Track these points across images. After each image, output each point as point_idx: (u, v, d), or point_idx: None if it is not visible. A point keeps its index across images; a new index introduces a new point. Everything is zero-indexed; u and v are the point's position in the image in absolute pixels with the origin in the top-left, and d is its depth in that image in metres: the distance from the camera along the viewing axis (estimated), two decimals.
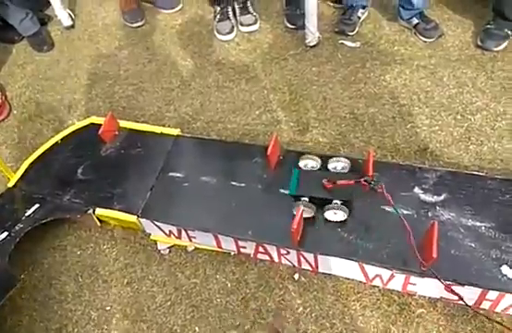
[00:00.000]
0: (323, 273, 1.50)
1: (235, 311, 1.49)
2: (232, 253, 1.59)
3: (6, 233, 1.62)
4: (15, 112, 2.23)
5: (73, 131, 1.93)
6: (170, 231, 1.60)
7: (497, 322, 1.31)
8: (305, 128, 1.92)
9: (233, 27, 2.33)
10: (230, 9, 2.35)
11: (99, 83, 2.27)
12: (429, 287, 1.34)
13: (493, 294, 1.27)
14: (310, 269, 1.50)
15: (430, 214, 1.42)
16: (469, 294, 1.29)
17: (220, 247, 1.58)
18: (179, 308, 1.52)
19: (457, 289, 1.27)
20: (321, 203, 1.43)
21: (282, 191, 1.54)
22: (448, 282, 1.27)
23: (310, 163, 1.56)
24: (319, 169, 1.55)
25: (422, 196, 1.46)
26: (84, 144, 1.87)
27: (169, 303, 1.54)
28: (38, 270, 1.68)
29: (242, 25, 2.33)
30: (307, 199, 1.45)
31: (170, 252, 1.66)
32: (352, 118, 1.91)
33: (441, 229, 1.29)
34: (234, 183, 1.62)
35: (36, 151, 1.89)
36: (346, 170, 1.53)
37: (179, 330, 1.49)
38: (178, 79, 2.21)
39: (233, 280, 1.55)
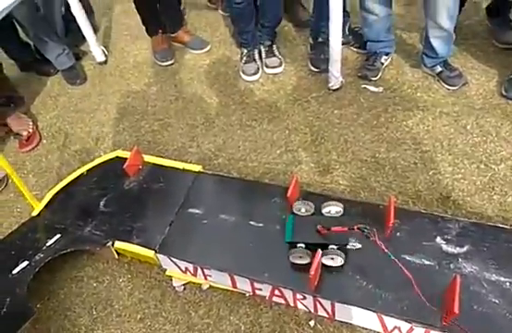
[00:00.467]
0: (340, 321, 1.46)
1: None
2: (247, 294, 1.57)
3: (26, 262, 1.64)
4: (44, 142, 2.32)
5: (99, 164, 1.98)
6: (186, 268, 1.60)
7: None
8: (325, 169, 1.93)
9: (258, 68, 2.41)
10: (256, 52, 2.44)
11: (127, 117, 2.35)
12: None
13: None
14: (327, 316, 1.47)
15: (452, 266, 1.39)
16: None
17: (235, 287, 1.56)
18: None
19: None
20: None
21: None
22: None
23: (303, 207, 1.56)
24: (313, 213, 1.55)
25: (444, 247, 1.44)
26: (108, 177, 1.91)
27: None
28: (54, 300, 1.69)
29: (267, 67, 2.41)
30: (303, 245, 1.44)
31: (185, 289, 1.65)
32: (373, 162, 1.92)
33: (463, 283, 1.26)
34: (252, 223, 1.63)
35: (62, 181, 1.94)
36: (340, 214, 1.52)
37: None
38: (203, 116, 2.28)
39: (247, 323, 1.52)
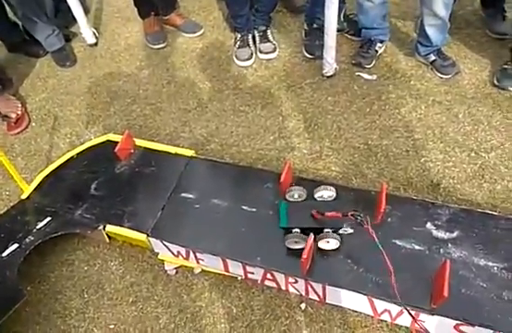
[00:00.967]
0: (331, 304, 1.48)
1: None
2: (239, 278, 1.58)
3: (16, 245, 1.62)
4: (33, 124, 2.28)
5: (89, 147, 1.96)
6: (178, 252, 1.60)
7: None
8: (318, 156, 1.94)
9: (252, 54, 2.38)
10: (250, 37, 2.42)
11: (118, 101, 2.31)
12: (438, 325, 1.32)
13: None
14: (318, 299, 1.49)
15: (441, 251, 1.42)
16: None
17: (227, 271, 1.57)
18: (183, 331, 1.51)
19: (467, 329, 1.25)
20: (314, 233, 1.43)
21: None
22: (459, 322, 1.25)
23: (296, 193, 1.57)
24: (306, 199, 1.56)
25: (435, 232, 1.46)
26: (99, 161, 1.89)
27: (173, 326, 1.52)
28: (44, 284, 1.68)
29: (261, 52, 2.39)
30: (298, 230, 1.45)
31: (177, 272, 1.65)
32: (366, 149, 1.93)
33: (452, 267, 1.29)
34: (245, 207, 1.63)
35: (51, 164, 1.92)
36: (332, 198, 1.54)
37: None
38: (196, 101, 2.26)
39: (238, 306, 1.54)
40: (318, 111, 2.11)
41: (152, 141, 1.99)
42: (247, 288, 1.57)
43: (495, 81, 2.07)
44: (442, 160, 1.85)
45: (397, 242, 1.44)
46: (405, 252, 1.40)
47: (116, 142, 1.85)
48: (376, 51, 2.27)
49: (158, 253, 1.66)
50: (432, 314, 1.29)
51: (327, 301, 1.48)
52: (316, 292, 1.45)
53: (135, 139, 1.92)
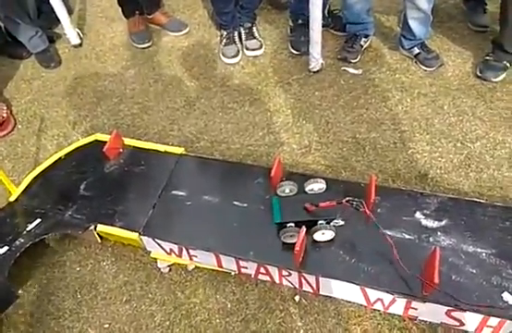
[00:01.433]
0: (324, 295, 1.50)
1: (234, 332, 1.48)
2: (232, 273, 1.59)
3: (6, 248, 1.61)
4: (19, 126, 2.25)
5: (77, 148, 1.94)
6: (171, 249, 1.60)
7: None
8: (307, 150, 1.95)
9: (238, 51, 2.39)
10: (236, 34, 2.42)
11: (104, 101, 2.30)
12: (430, 312, 1.34)
13: (494, 321, 1.28)
14: (312, 291, 1.50)
15: (431, 239, 1.44)
16: (471, 320, 1.29)
17: (221, 266, 1.58)
18: (178, 328, 1.51)
19: (458, 314, 1.28)
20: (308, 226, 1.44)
21: None
22: (450, 308, 1.27)
23: (287, 188, 1.57)
24: (297, 193, 1.57)
25: (424, 221, 1.49)
26: (88, 161, 1.88)
27: (168, 323, 1.52)
28: (36, 286, 1.66)
29: (247, 49, 2.40)
30: (293, 224, 1.46)
31: (170, 270, 1.65)
32: (354, 142, 1.94)
33: (442, 255, 1.31)
34: (236, 203, 1.64)
35: (39, 166, 1.90)
36: (322, 190, 1.55)
37: None
38: (183, 99, 2.25)
39: (233, 301, 1.54)
40: (306, 106, 2.13)
41: (141, 140, 1.98)
42: (241, 282, 1.58)
43: (478, 73, 2.11)
44: (428, 151, 1.87)
45: (388, 232, 1.45)
46: (395, 242, 1.41)
47: (105, 142, 1.84)
48: (361, 45, 2.29)
49: (151, 252, 1.65)
50: (424, 302, 1.31)
51: (321, 292, 1.49)
52: (310, 284, 1.47)
53: (124, 138, 1.92)
